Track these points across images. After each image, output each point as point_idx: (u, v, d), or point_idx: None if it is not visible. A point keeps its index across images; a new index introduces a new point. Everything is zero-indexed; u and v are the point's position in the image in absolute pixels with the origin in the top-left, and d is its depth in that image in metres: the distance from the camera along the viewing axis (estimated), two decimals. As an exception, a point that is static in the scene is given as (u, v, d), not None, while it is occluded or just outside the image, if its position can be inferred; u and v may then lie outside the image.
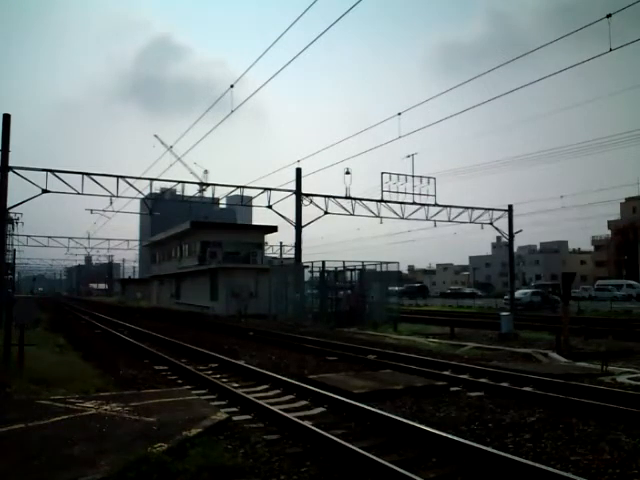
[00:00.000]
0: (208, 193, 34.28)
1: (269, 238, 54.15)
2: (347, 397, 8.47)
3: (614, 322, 26.11)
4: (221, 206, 74.56)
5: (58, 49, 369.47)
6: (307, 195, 31.00)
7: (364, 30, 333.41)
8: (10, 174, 23.79)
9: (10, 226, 47.87)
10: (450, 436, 6.18)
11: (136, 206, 49.34)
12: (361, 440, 6.46)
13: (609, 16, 13.75)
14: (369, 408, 7.58)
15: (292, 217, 30.86)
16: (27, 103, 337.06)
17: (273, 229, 41.90)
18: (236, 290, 36.28)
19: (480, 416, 7.71)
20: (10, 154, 23.54)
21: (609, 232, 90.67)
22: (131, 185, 27.64)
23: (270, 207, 30.83)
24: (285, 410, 7.77)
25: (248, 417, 7.64)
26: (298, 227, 30.61)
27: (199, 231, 41.76)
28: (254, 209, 71.97)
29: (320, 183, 32.03)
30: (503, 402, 8.62)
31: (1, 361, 10.84)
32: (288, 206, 31.17)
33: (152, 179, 29.66)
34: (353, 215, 32.10)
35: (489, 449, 5.70)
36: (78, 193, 25.96)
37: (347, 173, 30.24)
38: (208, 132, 24.00)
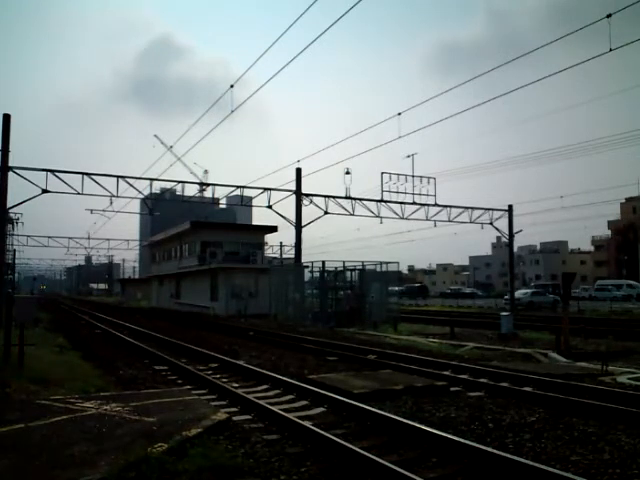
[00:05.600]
0: (208, 193, 34.41)
1: (269, 238, 54.25)
2: (347, 397, 8.47)
3: (614, 322, 26.09)
4: (221, 206, 74.59)
5: (59, 49, 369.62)
6: (307, 195, 31.00)
7: (364, 30, 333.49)
8: (10, 174, 23.79)
9: (10, 226, 47.94)
10: (450, 436, 6.18)
11: (136, 206, 49.43)
12: (361, 440, 6.46)
13: (609, 16, 13.75)
14: (369, 408, 7.58)
15: (292, 217, 30.88)
16: (27, 103, 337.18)
17: (273, 229, 41.90)
18: (236, 290, 36.27)
19: (480, 416, 7.71)
20: (10, 154, 23.58)
21: (609, 232, 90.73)
22: (131, 185, 27.65)
23: (270, 207, 30.84)
24: (285, 410, 7.77)
25: (248, 417, 7.64)
26: (298, 227, 30.60)
27: (199, 231, 41.73)
28: (254, 209, 71.96)
29: (320, 183, 32.06)
30: (503, 402, 8.62)
31: (1, 361, 10.84)
32: (288, 206, 31.21)
33: (152, 179, 29.68)
34: (353, 215, 32.15)
35: (489, 449, 5.70)
36: (78, 193, 25.97)
37: (347, 173, 30.27)
38: (208, 132, 24.01)
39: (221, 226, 47.90)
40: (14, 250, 57.74)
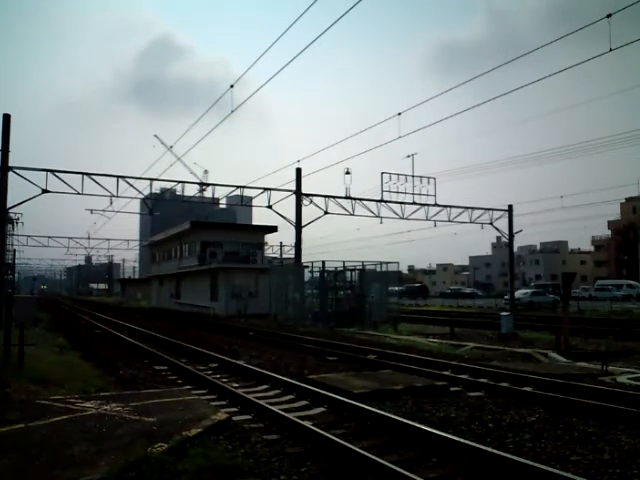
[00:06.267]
0: (208, 193, 34.40)
1: (269, 238, 54.22)
2: (347, 397, 8.47)
3: (614, 322, 26.10)
4: (221, 206, 74.56)
5: (59, 49, 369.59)
6: (307, 195, 31.01)
7: (364, 30, 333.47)
8: (10, 174, 23.79)
9: (10, 226, 47.93)
10: (450, 436, 6.18)
11: (136, 206, 49.44)
12: (361, 440, 6.46)
13: (609, 16, 13.75)
14: (369, 408, 7.58)
15: (292, 217, 30.88)
16: (27, 103, 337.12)
17: (273, 229, 41.91)
18: (236, 290, 36.28)
19: (480, 416, 7.71)
20: (10, 154, 23.58)
21: (609, 232, 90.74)
22: (131, 185, 27.65)
23: (270, 207, 30.84)
24: (285, 410, 7.77)
25: (248, 417, 7.64)
26: (298, 227, 30.60)
27: (199, 231, 41.73)
28: (254, 209, 71.97)
29: (320, 183, 32.06)
30: (503, 402, 8.62)
31: (1, 361, 10.84)
32: (288, 206, 31.22)
33: (152, 179, 29.67)
34: (353, 215, 32.15)
35: (489, 449, 5.70)
36: (78, 193, 25.97)
37: (347, 173, 30.27)
38: (208, 132, 24.02)
39: (221, 226, 47.90)
40: (14, 250, 57.76)
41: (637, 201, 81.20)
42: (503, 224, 36.78)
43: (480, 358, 14.16)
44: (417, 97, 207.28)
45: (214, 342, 18.27)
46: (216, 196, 33.39)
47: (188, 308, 41.51)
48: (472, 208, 35.24)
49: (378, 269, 27.61)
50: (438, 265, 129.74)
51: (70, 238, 61.63)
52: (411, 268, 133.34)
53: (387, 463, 5.27)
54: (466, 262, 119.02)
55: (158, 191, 57.92)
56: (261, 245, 43.87)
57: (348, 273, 28.82)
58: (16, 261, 65.98)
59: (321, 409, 8.21)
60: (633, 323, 25.52)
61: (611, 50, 14.17)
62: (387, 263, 27.32)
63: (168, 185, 63.97)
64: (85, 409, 7.43)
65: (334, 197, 31.46)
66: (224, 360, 13.21)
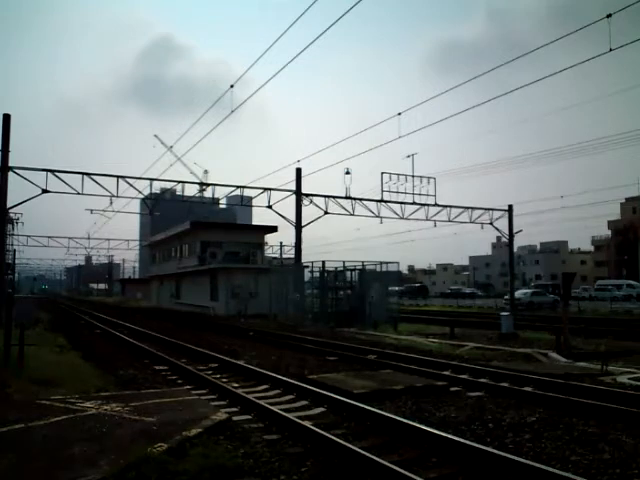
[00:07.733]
0: (208, 193, 34.28)
1: (269, 238, 54.15)
2: (347, 397, 8.47)
3: (614, 322, 26.11)
4: (221, 206, 74.48)
5: (59, 49, 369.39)
6: (307, 195, 31.01)
7: (364, 30, 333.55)
8: (10, 174, 23.80)
9: (10, 226, 47.87)
10: (450, 436, 6.18)
11: (136, 206, 49.39)
12: (361, 440, 6.46)
13: (609, 16, 13.75)
14: (369, 408, 7.59)
15: (292, 217, 30.89)
16: (27, 103, 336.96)
17: (273, 229, 41.88)
18: (236, 290, 36.27)
19: (480, 416, 7.71)
20: (10, 154, 23.59)
21: (609, 232, 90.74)
22: (131, 185, 27.67)
23: (270, 207, 30.85)
24: (285, 410, 7.77)
25: (248, 417, 7.64)
26: (298, 227, 30.61)
27: (199, 231, 41.71)
28: (254, 209, 71.87)
29: (320, 183, 32.07)
30: (503, 402, 8.63)
31: (1, 361, 10.84)
32: (288, 206, 31.23)
33: (152, 179, 29.68)
34: (353, 215, 32.16)
35: (489, 449, 5.70)
36: (78, 193, 25.98)
37: (347, 173, 30.31)
38: (208, 132, 24.01)
39: (221, 226, 47.82)
40: (14, 250, 57.71)
41: (637, 201, 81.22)
42: (503, 224, 36.86)
43: (480, 358, 14.16)
44: (417, 97, 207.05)
45: (214, 342, 18.27)
46: (216, 196, 33.35)
47: (188, 308, 41.50)
48: (472, 208, 35.28)
49: (378, 269, 27.60)
50: (438, 265, 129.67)
51: (70, 238, 61.82)
52: (411, 268, 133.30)
53: (387, 463, 5.27)
54: (466, 262, 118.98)
55: (158, 191, 57.80)
56: (261, 245, 43.84)
57: (348, 273, 28.80)
58: (16, 261, 65.94)
59: (321, 409, 8.21)
60: (633, 323, 25.53)
61: (611, 50, 14.18)
62: (387, 263, 27.31)
63: (168, 185, 63.63)
64: (85, 409, 7.43)
65: (334, 197, 31.48)
66: (224, 360, 13.21)
